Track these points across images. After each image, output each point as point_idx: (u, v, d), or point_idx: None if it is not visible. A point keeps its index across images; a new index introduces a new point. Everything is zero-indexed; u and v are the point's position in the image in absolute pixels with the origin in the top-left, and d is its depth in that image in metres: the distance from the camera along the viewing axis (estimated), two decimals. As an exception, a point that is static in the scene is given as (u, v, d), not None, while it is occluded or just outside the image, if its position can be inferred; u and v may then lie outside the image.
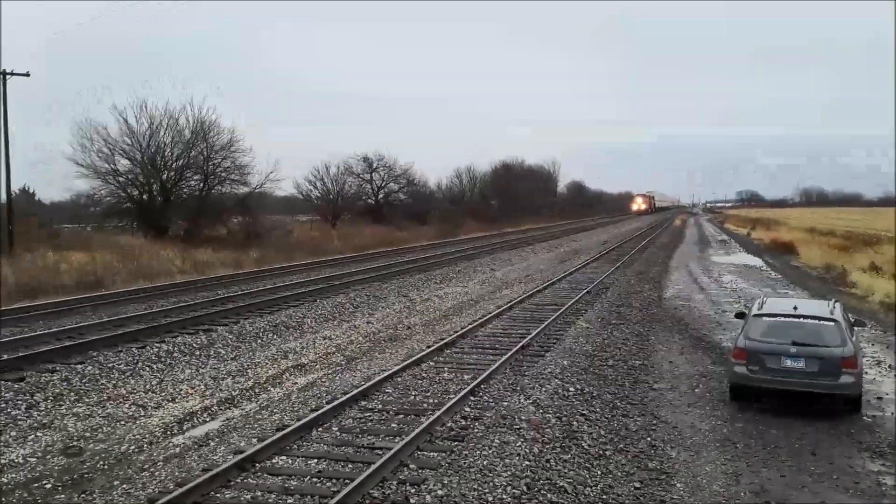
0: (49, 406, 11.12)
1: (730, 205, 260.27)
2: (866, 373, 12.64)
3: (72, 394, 11.75)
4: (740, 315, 13.72)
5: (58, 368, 12.95)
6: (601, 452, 9.39)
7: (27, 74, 35.49)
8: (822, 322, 11.52)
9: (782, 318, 11.78)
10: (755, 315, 12.06)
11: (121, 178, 41.79)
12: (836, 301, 12.96)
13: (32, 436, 9.90)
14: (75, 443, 9.68)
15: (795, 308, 12.11)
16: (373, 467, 8.33)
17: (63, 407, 11.14)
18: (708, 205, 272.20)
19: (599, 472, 8.75)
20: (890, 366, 14.38)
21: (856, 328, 12.61)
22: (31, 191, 49.44)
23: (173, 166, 43.27)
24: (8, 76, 34.67)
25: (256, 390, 12.38)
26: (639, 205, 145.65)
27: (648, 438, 10.06)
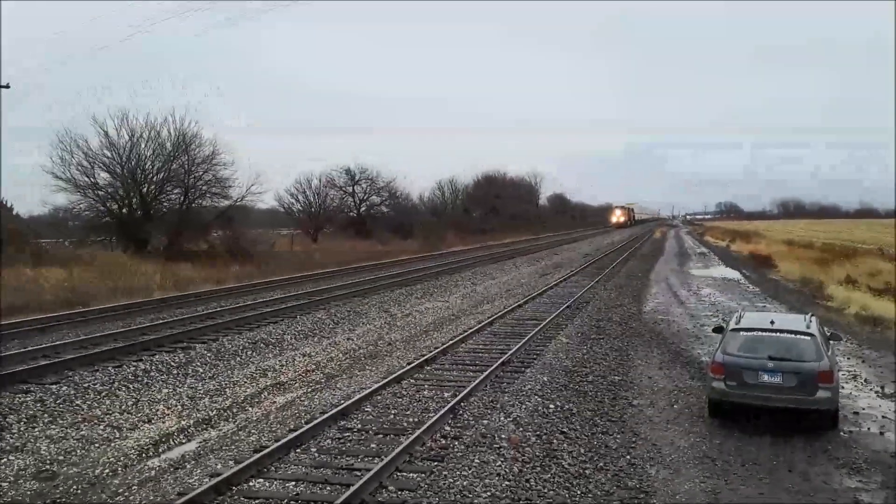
0: (22, 428, 10.95)
1: (709, 216, 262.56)
2: (842, 387, 12.74)
3: (46, 415, 11.59)
4: (718, 329, 13.77)
5: (32, 389, 12.78)
6: (581, 471, 9.38)
7: (7, 86, 35.27)
8: (798, 336, 11.59)
9: (759, 333, 11.85)
10: (732, 329, 12.11)
11: (100, 192, 41.41)
12: (812, 315, 13.05)
13: (4, 459, 9.73)
14: (48, 466, 9.53)
15: (772, 322, 12.18)
16: (351, 489, 8.28)
17: (37, 429, 10.98)
18: (688, 217, 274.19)
19: (579, 492, 8.74)
20: (866, 380, 14.51)
21: (832, 342, 12.71)
22: (8, 205, 48.97)
23: (154, 179, 42.94)
24: None
25: (234, 410, 12.27)
26: (618, 217, 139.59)
27: (628, 456, 10.06)
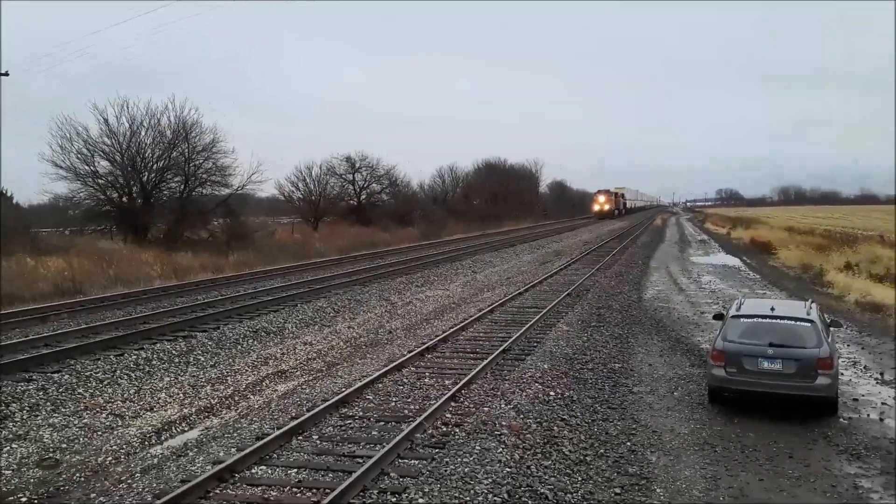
0: (25, 417, 10.99)
1: (710, 203, 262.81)
2: (842, 374, 12.78)
3: (48, 404, 11.62)
4: (718, 316, 13.83)
5: (34, 378, 12.82)
6: (582, 458, 9.42)
7: (6, 74, 35.14)
8: (798, 323, 11.62)
9: (759, 320, 11.86)
10: (733, 316, 12.14)
11: (100, 181, 41.31)
12: (812, 301, 13.08)
13: (7, 448, 9.77)
14: (51, 454, 9.58)
15: (773, 309, 12.20)
16: (353, 476, 8.31)
17: (39, 417, 11.02)
18: (688, 203, 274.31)
19: (580, 479, 8.78)
20: (865, 367, 14.54)
21: (832, 329, 12.73)
22: (8, 193, 48.91)
23: (154, 168, 42.82)
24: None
25: (236, 398, 12.31)
26: (601, 205, 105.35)
27: (628, 443, 10.11)
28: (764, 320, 11.80)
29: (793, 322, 11.65)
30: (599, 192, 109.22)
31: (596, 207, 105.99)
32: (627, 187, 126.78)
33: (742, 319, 11.96)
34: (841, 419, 11.20)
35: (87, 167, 40.55)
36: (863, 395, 12.45)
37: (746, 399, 11.38)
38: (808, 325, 11.51)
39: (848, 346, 16.37)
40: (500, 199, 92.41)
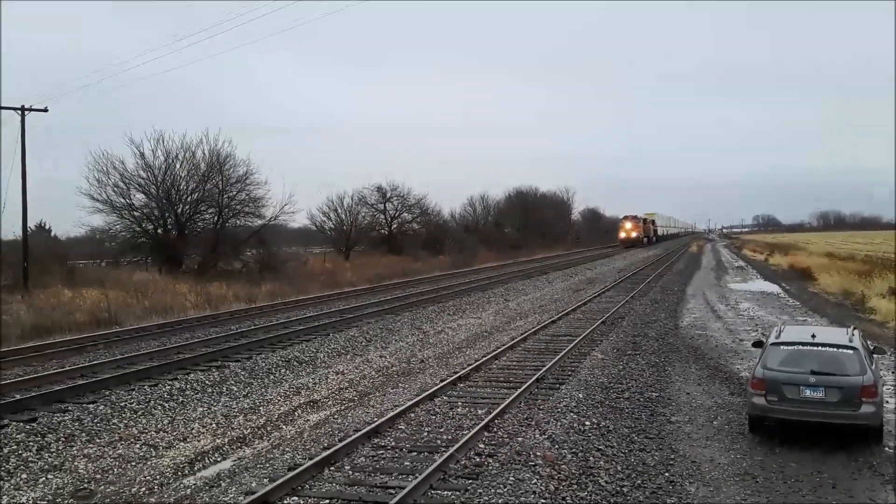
0: (60, 447, 11.07)
1: (746, 230, 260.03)
2: (887, 402, 12.41)
3: (83, 434, 11.70)
4: (758, 344, 13.53)
5: (70, 408, 12.93)
6: (618, 489, 9.21)
7: (45, 110, 36.02)
8: (841, 350, 11.31)
9: (800, 347, 11.57)
10: (773, 344, 11.86)
11: (136, 213, 42.04)
12: (854, 328, 12.75)
13: (43, 478, 9.84)
14: (86, 485, 9.61)
15: (814, 336, 11.89)
16: (385, 507, 8.20)
17: (74, 448, 11.08)
18: (724, 230, 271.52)
19: (616, 510, 8.57)
20: (913, 394, 14.09)
21: (875, 355, 12.38)
22: (47, 227, 49.98)
23: (188, 200, 43.52)
24: (27, 111, 35.20)
25: (268, 428, 12.28)
26: (628, 232, 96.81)
27: (667, 473, 9.87)
28: (805, 347, 11.50)
29: (835, 349, 11.35)
30: (626, 217, 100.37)
31: (622, 235, 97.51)
32: (659, 213, 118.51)
33: (782, 347, 11.67)
34: (886, 448, 10.85)
35: (122, 200, 41.37)
36: (910, 424, 12.04)
37: (788, 428, 11.08)
38: (851, 352, 11.21)
39: (893, 373, 15.91)
40: (532, 226, 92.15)
